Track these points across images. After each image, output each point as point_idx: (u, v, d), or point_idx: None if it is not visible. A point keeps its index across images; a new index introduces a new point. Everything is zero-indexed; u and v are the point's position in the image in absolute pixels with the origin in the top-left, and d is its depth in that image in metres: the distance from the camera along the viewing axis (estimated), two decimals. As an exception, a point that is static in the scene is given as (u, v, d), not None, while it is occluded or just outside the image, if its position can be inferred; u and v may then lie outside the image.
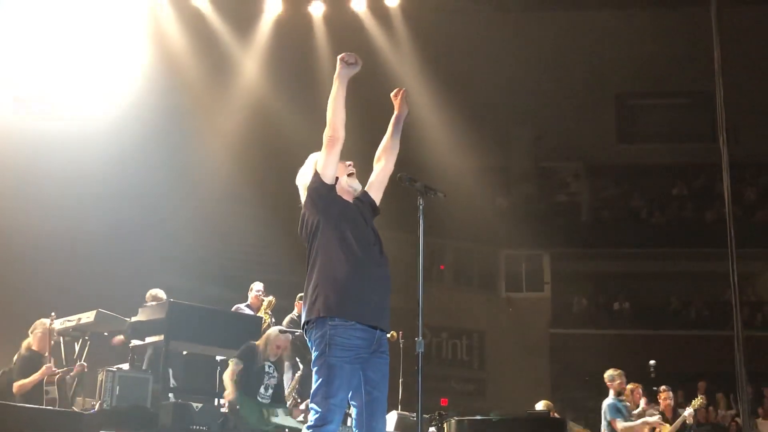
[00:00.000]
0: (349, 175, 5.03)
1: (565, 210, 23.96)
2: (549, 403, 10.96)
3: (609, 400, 9.84)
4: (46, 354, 8.46)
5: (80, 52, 14.33)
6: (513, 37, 19.42)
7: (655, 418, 9.85)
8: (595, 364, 20.07)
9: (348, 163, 5.05)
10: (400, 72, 17.48)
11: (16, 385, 8.23)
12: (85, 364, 8.74)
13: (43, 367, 8.29)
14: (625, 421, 9.59)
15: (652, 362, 11.17)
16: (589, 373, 19.87)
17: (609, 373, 9.97)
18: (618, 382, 9.92)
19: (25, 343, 8.59)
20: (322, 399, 4.45)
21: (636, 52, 20.54)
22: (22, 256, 12.89)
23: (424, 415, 9.16)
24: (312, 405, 4.54)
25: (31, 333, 8.61)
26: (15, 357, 8.66)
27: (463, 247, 22.84)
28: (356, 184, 5.06)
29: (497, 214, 21.95)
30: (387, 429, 10.71)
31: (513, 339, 21.41)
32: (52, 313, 8.75)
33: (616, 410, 9.67)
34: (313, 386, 4.54)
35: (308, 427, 4.46)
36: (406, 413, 10.97)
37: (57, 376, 8.32)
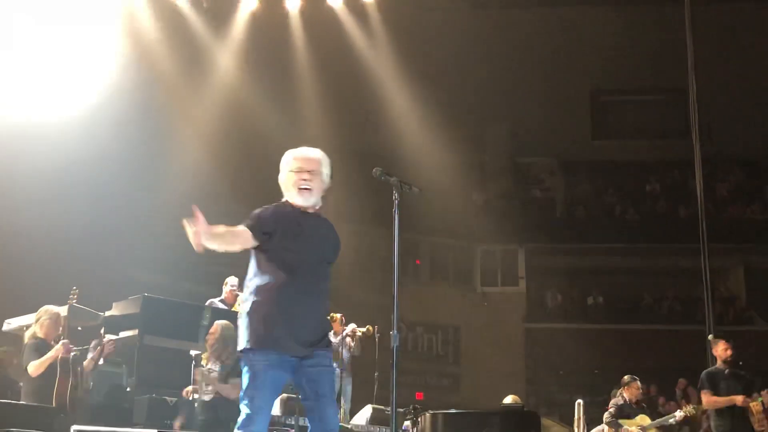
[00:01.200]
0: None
1: (539, 205, 24.09)
2: (516, 397, 11.02)
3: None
4: (52, 342, 8.26)
5: (54, 46, 14.22)
6: (489, 33, 19.50)
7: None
8: (569, 359, 20.37)
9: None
10: (375, 67, 17.51)
11: (32, 365, 7.98)
12: (113, 338, 8.51)
13: (59, 344, 8.06)
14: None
15: None
16: (563, 367, 20.11)
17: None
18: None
19: (29, 332, 8.35)
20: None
21: (610, 49, 20.68)
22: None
23: (399, 409, 9.21)
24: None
25: (37, 321, 8.39)
26: (23, 347, 8.40)
27: (439, 242, 22.91)
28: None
29: (473, 210, 22.04)
30: (361, 422, 10.78)
31: (488, 333, 21.52)
32: (72, 294, 8.47)
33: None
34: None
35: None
36: (381, 407, 11.02)
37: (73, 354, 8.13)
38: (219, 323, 8.09)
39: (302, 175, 4.94)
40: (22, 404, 7.75)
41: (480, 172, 23.79)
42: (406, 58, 17.45)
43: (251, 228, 4.77)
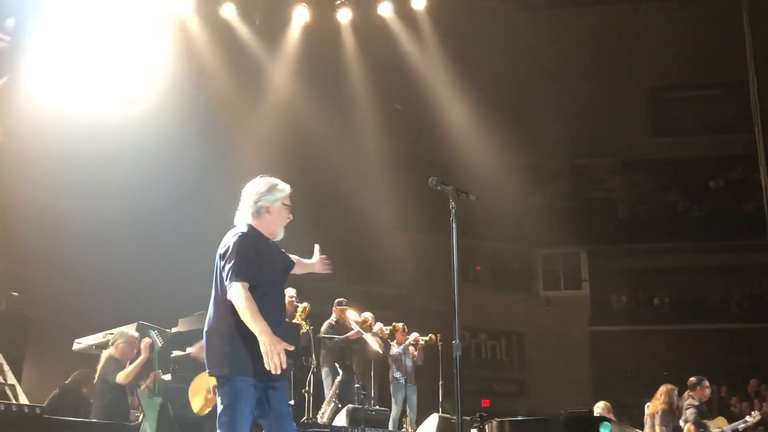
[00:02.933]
0: None
1: (600, 207, 23.80)
2: (607, 404, 10.86)
3: None
4: (127, 363, 8.50)
5: (110, 68, 14.51)
6: (541, 34, 19.35)
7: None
8: (636, 361, 20.04)
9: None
10: (428, 74, 17.49)
11: (122, 374, 8.24)
12: (160, 371, 8.79)
13: (142, 356, 8.35)
14: None
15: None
16: (630, 370, 19.78)
17: None
18: None
19: (105, 354, 8.61)
20: None
21: (667, 45, 20.36)
22: (58, 274, 13.04)
23: (465, 417, 9.16)
24: None
25: (113, 344, 8.64)
26: (98, 367, 8.63)
27: (499, 248, 22.79)
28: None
29: (532, 214, 21.84)
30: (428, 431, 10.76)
31: (552, 338, 21.31)
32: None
33: None
34: None
35: None
36: (447, 415, 10.99)
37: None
38: None
39: (291, 211, 5.27)
40: (94, 422, 7.93)
41: (538, 175, 23.58)
42: (458, 64, 17.40)
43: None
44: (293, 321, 11.09)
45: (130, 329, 8.83)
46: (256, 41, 16.14)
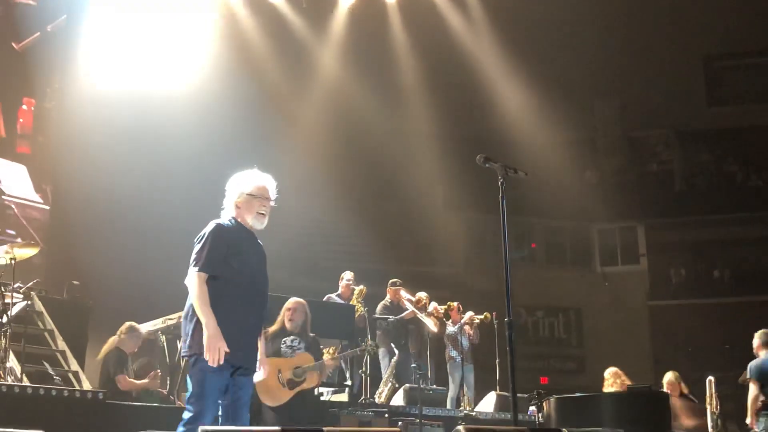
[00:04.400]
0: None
1: (657, 179, 23.45)
2: (676, 374, 10.70)
3: None
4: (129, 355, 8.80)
5: (161, 54, 14.72)
6: (593, 6, 19.01)
7: None
8: (697, 335, 19.75)
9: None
10: (477, 51, 17.34)
11: (125, 382, 8.50)
12: (159, 371, 9.06)
13: (151, 376, 8.66)
14: None
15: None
16: (691, 344, 19.49)
17: None
18: None
19: (110, 342, 8.85)
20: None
21: (722, 13, 19.85)
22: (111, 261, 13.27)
23: (523, 395, 9.12)
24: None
25: (118, 334, 8.87)
26: (102, 351, 8.88)
27: (554, 225, 22.61)
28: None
29: (587, 189, 21.61)
30: (487, 409, 10.74)
31: (611, 314, 21.10)
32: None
33: None
34: None
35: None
36: (505, 393, 10.94)
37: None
38: (298, 300, 8.17)
39: (263, 202, 5.38)
40: (155, 406, 8.08)
41: (592, 149, 23.31)
42: (507, 40, 17.20)
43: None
44: (348, 303, 11.19)
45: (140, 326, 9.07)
46: (304, 24, 16.18)
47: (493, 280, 16.88)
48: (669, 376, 10.63)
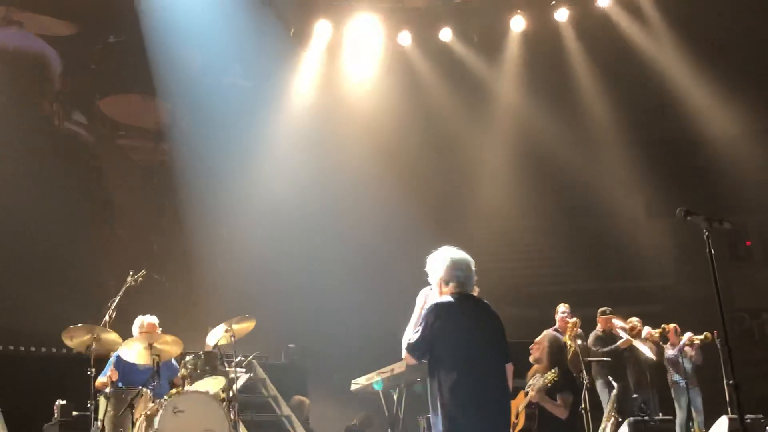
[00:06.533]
0: None
1: None
2: None
3: None
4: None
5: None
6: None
7: None
8: None
9: None
10: (656, 53, 16.74)
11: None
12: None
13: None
14: None
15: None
16: None
17: None
18: None
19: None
20: None
21: None
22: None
23: (757, 416, 8.58)
24: None
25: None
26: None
27: (768, 219, 21.20)
28: None
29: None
30: (721, 435, 10.20)
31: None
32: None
33: None
34: None
35: None
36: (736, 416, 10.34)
37: None
38: (547, 333, 8.08)
39: None
40: None
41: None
42: (688, 40, 16.50)
43: None
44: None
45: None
46: (477, 58, 16.23)
47: (706, 287, 16.04)
48: None
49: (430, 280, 5.41)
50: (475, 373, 5.03)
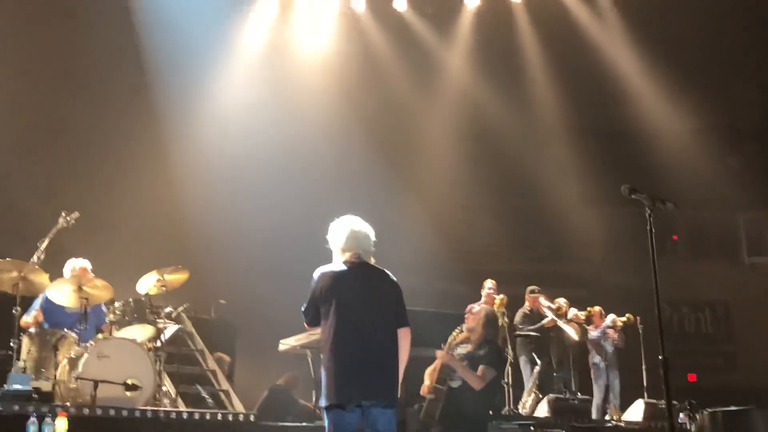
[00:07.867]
0: None
1: (807, 163, 22.21)
2: None
3: None
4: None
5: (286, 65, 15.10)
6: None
7: None
8: None
9: None
10: (607, 44, 16.95)
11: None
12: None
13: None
14: None
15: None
16: None
17: None
18: None
19: None
20: None
21: None
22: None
23: (673, 402, 8.84)
24: None
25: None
26: None
27: (696, 215, 21.71)
28: None
29: (730, 176, 20.69)
30: (635, 418, 10.48)
31: (762, 307, 20.12)
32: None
33: None
34: None
35: None
36: (653, 401, 10.66)
37: None
38: (485, 307, 8.19)
39: None
40: (305, 425, 8.25)
41: (734, 134, 22.25)
42: (638, 30, 16.75)
43: None
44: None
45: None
46: (430, 31, 16.23)
47: (633, 276, 16.41)
48: None
49: (330, 246, 5.67)
50: (361, 336, 5.24)
